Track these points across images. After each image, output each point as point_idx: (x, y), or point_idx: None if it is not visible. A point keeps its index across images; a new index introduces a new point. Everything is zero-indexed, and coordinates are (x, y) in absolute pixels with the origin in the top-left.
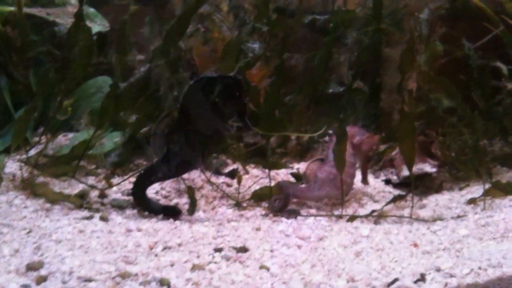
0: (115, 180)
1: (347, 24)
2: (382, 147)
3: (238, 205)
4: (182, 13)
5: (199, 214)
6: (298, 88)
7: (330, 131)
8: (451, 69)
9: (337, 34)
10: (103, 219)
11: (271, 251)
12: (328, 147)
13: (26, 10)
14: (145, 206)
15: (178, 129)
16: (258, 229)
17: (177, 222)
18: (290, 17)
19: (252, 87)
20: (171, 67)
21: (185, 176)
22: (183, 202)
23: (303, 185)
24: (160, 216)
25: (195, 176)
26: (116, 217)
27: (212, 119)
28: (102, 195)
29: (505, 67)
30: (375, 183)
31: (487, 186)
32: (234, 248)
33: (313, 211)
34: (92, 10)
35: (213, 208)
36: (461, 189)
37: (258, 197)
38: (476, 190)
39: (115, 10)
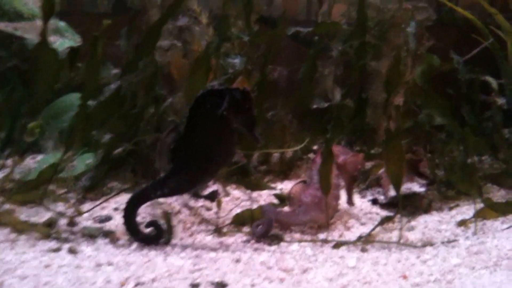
0: (86, 205)
1: (332, 36)
2: (368, 165)
3: (217, 231)
4: (152, 24)
5: (176, 242)
6: (281, 103)
7: (315, 147)
8: (438, 83)
9: (321, 47)
10: (72, 251)
11: (252, 285)
12: (312, 168)
13: None
14: (130, 225)
15: (185, 143)
16: (238, 260)
17: (151, 254)
18: (272, 27)
19: None
20: (146, 83)
21: (161, 200)
22: None
23: (287, 209)
24: (133, 247)
25: (172, 200)
26: (85, 249)
27: (221, 133)
28: (72, 223)
29: (494, 81)
30: (362, 203)
31: (478, 205)
32: (212, 283)
33: (297, 235)
34: (62, 24)
35: (191, 235)
36: (450, 209)
37: (239, 221)
38: (466, 210)
39: (89, 19)
